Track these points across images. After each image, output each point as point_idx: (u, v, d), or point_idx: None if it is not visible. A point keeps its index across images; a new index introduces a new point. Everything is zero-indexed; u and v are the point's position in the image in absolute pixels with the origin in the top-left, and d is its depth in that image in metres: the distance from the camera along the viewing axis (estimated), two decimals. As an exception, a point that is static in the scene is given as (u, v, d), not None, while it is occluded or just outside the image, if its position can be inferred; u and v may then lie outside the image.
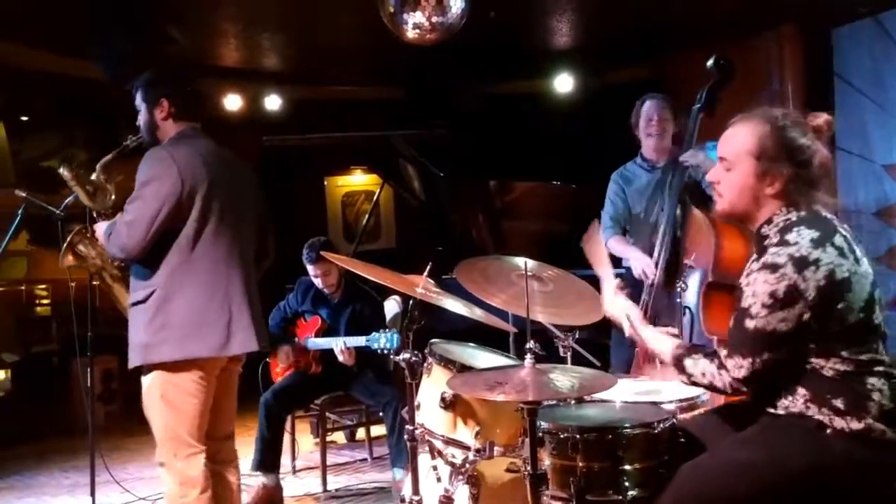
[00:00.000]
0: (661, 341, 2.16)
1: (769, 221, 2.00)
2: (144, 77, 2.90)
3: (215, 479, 2.83)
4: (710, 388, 2.02)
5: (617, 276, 3.86)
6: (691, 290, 3.34)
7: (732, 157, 2.02)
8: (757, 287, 1.88)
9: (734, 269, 3.26)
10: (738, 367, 1.93)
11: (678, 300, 3.22)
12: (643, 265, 3.59)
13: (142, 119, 2.88)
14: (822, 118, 2.04)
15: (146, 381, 2.75)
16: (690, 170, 3.53)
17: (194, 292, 2.70)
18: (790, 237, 1.91)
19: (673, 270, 3.45)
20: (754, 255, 2.00)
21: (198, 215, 2.70)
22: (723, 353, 1.96)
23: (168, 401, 2.72)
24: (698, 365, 2.01)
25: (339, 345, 4.15)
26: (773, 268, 1.87)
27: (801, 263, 1.86)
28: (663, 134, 3.81)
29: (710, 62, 3.52)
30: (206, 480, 2.74)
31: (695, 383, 2.04)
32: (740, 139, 2.01)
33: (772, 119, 2.00)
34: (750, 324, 1.89)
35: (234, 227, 2.80)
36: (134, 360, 2.73)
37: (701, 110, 3.52)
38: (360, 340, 4.08)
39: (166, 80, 2.89)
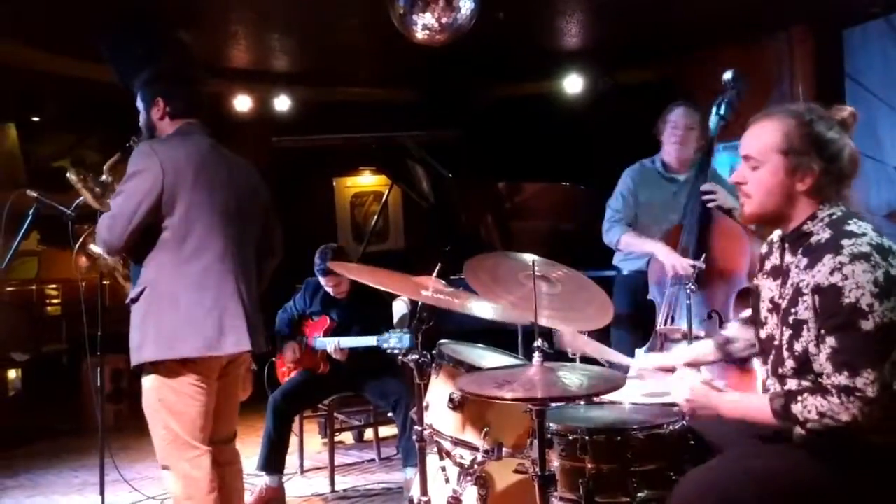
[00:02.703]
0: (748, 401, 1.99)
1: (812, 217, 1.93)
2: (143, 77, 2.90)
3: (217, 483, 2.80)
4: (832, 428, 1.76)
5: (626, 277, 3.90)
6: (720, 295, 3.33)
7: (759, 155, 1.95)
8: (859, 278, 1.75)
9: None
10: (870, 383, 1.73)
11: (688, 301, 3.20)
12: (676, 262, 3.44)
13: (141, 119, 2.88)
14: (846, 111, 1.97)
15: (145, 383, 2.73)
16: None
17: (183, 291, 2.67)
18: (854, 228, 1.85)
19: (697, 274, 3.43)
20: (798, 257, 1.93)
21: (184, 211, 2.66)
22: (841, 377, 1.76)
23: (167, 404, 2.69)
24: (807, 405, 1.79)
25: (334, 344, 4.18)
26: (864, 257, 1.78)
27: (882, 251, 1.80)
28: (686, 143, 3.74)
29: (728, 75, 3.46)
30: (211, 482, 2.72)
31: (812, 431, 1.79)
32: (766, 136, 1.94)
33: (797, 113, 1.94)
34: (868, 325, 1.74)
35: (228, 226, 2.76)
36: (132, 360, 2.73)
37: (721, 119, 3.48)
38: (370, 340, 4.09)
39: (162, 79, 2.87)
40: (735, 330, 2.36)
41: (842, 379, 1.76)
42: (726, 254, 3.38)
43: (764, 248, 2.17)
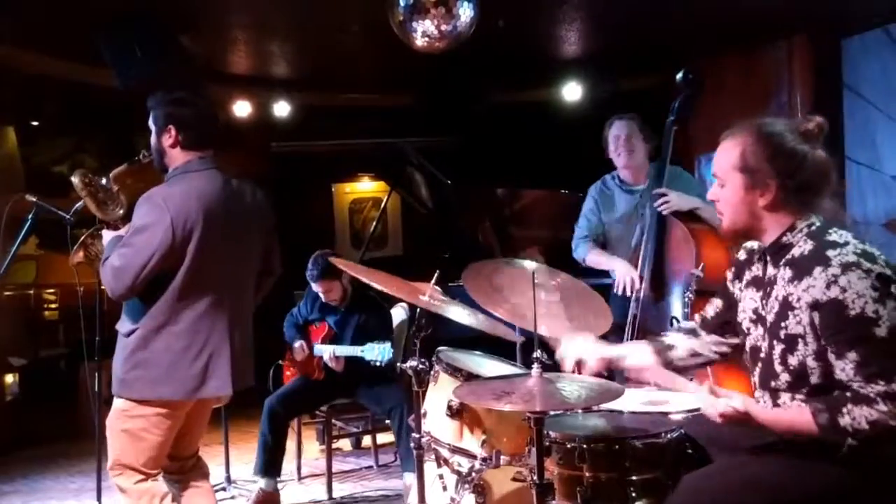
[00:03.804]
0: (790, 414, 1.93)
1: (791, 229, 1.96)
2: (155, 98, 2.80)
3: (183, 488, 2.84)
4: (886, 433, 1.78)
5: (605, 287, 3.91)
6: (675, 300, 3.34)
7: (721, 174, 2.01)
8: (857, 286, 1.79)
9: (717, 278, 3.32)
10: None
11: (686, 310, 3.21)
12: (629, 275, 3.56)
13: (152, 141, 2.81)
14: (812, 122, 1.98)
15: (116, 404, 2.75)
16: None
17: (175, 338, 2.66)
18: (835, 237, 1.88)
19: (658, 281, 3.44)
20: (781, 269, 1.94)
21: (189, 263, 2.64)
22: (878, 386, 1.77)
23: (130, 431, 2.70)
24: (855, 416, 1.79)
25: (329, 352, 4.18)
26: (854, 266, 1.81)
27: (867, 256, 1.83)
28: (632, 152, 3.80)
29: (679, 76, 3.54)
30: (161, 489, 2.73)
31: (866, 438, 1.79)
32: (726, 154, 2.00)
33: (754, 129, 1.98)
34: (881, 331, 1.78)
35: (230, 270, 2.74)
36: (113, 388, 2.74)
37: (674, 123, 3.55)
38: (355, 351, 4.08)
39: (175, 106, 2.76)
40: (675, 339, 2.33)
41: (880, 387, 1.77)
42: (678, 259, 3.40)
43: (742, 255, 2.18)
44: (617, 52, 6.21)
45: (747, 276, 2.12)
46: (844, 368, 1.83)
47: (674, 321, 3.33)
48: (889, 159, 5.41)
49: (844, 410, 1.80)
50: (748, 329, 2.08)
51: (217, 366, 2.70)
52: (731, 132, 2.02)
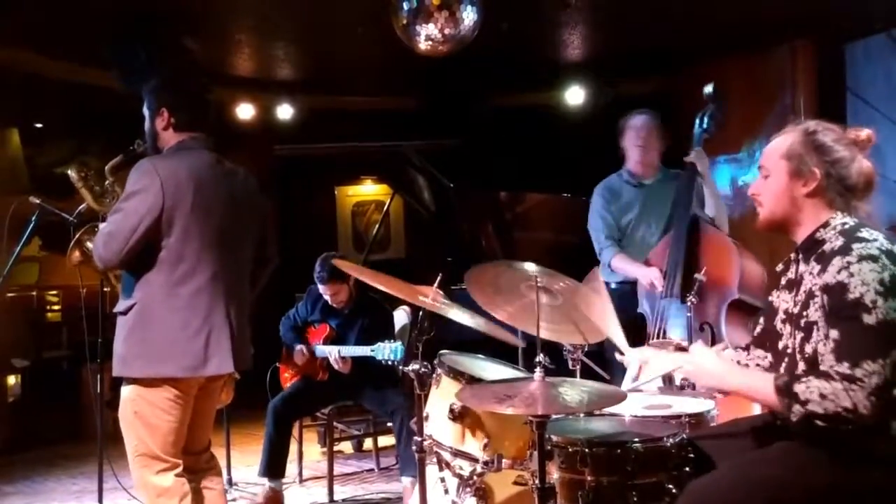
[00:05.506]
0: (752, 376, 2.01)
1: (825, 225, 2.00)
2: (150, 84, 2.87)
3: (194, 487, 2.82)
4: (833, 414, 1.77)
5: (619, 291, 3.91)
6: (711, 307, 3.33)
7: (768, 164, 2.07)
8: (865, 276, 1.82)
9: (753, 289, 3.38)
10: (871, 373, 1.76)
11: (689, 314, 3.21)
12: (651, 277, 3.56)
13: (146, 126, 2.86)
14: (864, 132, 2.07)
15: (123, 393, 2.74)
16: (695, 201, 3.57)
17: (172, 313, 2.66)
18: (865, 234, 1.92)
19: (686, 284, 3.44)
20: (811, 265, 1.97)
21: (181, 232, 2.65)
22: (843, 366, 1.78)
23: (141, 416, 2.70)
24: (810, 386, 1.81)
25: (334, 353, 4.18)
26: (872, 258, 1.84)
27: (891, 255, 1.86)
28: (648, 147, 3.87)
29: (707, 89, 3.60)
30: (182, 488, 2.72)
31: (812, 413, 1.80)
32: (775, 146, 2.07)
33: (804, 127, 2.06)
34: (870, 319, 1.79)
35: (223, 246, 2.75)
36: (115, 370, 2.73)
37: (703, 133, 3.61)
38: (364, 350, 4.09)
39: (169, 89, 2.84)
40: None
41: (843, 368, 1.79)
42: (716, 265, 3.40)
43: (780, 267, 2.21)
44: (619, 55, 6.21)
45: (782, 282, 2.15)
46: (824, 344, 1.85)
47: (704, 327, 3.34)
48: (893, 164, 5.40)
49: (804, 380, 1.84)
50: (780, 330, 2.10)
51: (218, 344, 2.70)
52: (785, 129, 2.10)
